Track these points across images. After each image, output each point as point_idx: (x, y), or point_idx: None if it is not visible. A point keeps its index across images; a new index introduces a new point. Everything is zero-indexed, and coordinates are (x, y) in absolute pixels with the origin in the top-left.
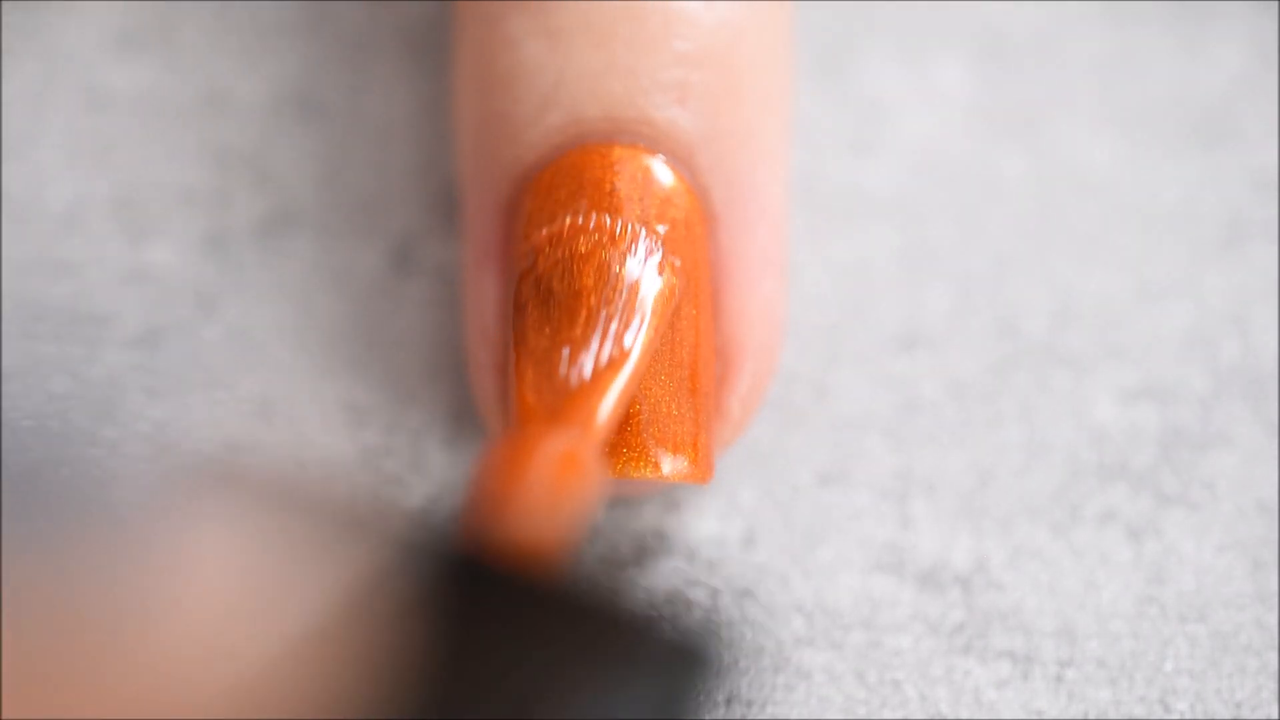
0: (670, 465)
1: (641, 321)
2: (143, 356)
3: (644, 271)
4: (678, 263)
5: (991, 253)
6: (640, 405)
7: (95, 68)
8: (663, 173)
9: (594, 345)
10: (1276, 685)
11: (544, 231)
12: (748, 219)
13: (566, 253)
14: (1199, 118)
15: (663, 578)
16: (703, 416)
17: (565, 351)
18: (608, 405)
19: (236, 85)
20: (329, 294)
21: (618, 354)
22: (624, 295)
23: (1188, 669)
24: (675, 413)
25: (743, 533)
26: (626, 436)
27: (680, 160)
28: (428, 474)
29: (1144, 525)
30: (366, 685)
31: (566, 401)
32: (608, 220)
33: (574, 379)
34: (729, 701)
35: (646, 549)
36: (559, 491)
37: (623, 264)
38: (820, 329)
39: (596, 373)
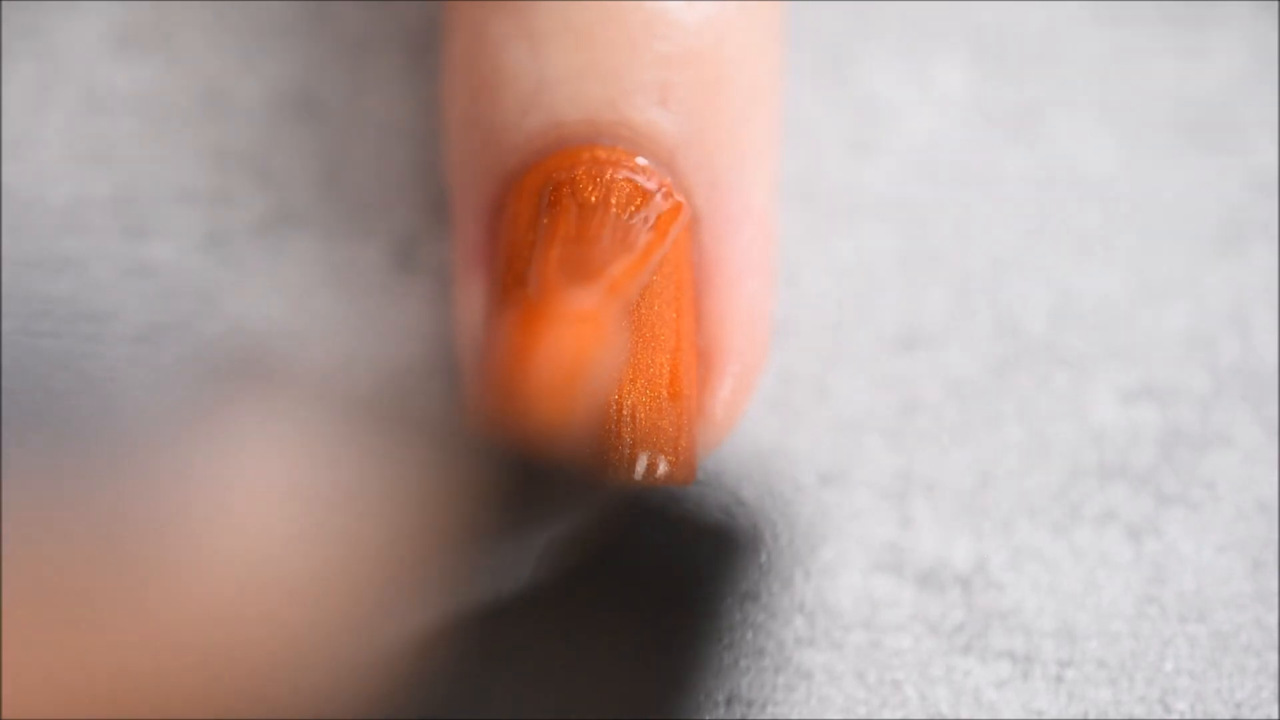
0: (651, 468)
1: (661, 230)
2: (144, 353)
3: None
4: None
5: (991, 253)
6: (620, 408)
7: (95, 68)
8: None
9: (619, 235)
10: (1276, 685)
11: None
12: (730, 220)
13: (597, 171)
14: (1199, 118)
15: None
16: (684, 419)
17: (591, 233)
18: (629, 273)
19: (236, 85)
20: (329, 292)
21: (642, 239)
22: (642, 206)
23: (1188, 669)
24: (656, 416)
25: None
26: (606, 439)
27: (662, 162)
28: None
29: (1144, 525)
30: (413, 603)
31: (587, 266)
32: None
33: (597, 253)
34: (729, 702)
35: None
36: (578, 352)
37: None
38: (820, 329)
39: (617, 254)
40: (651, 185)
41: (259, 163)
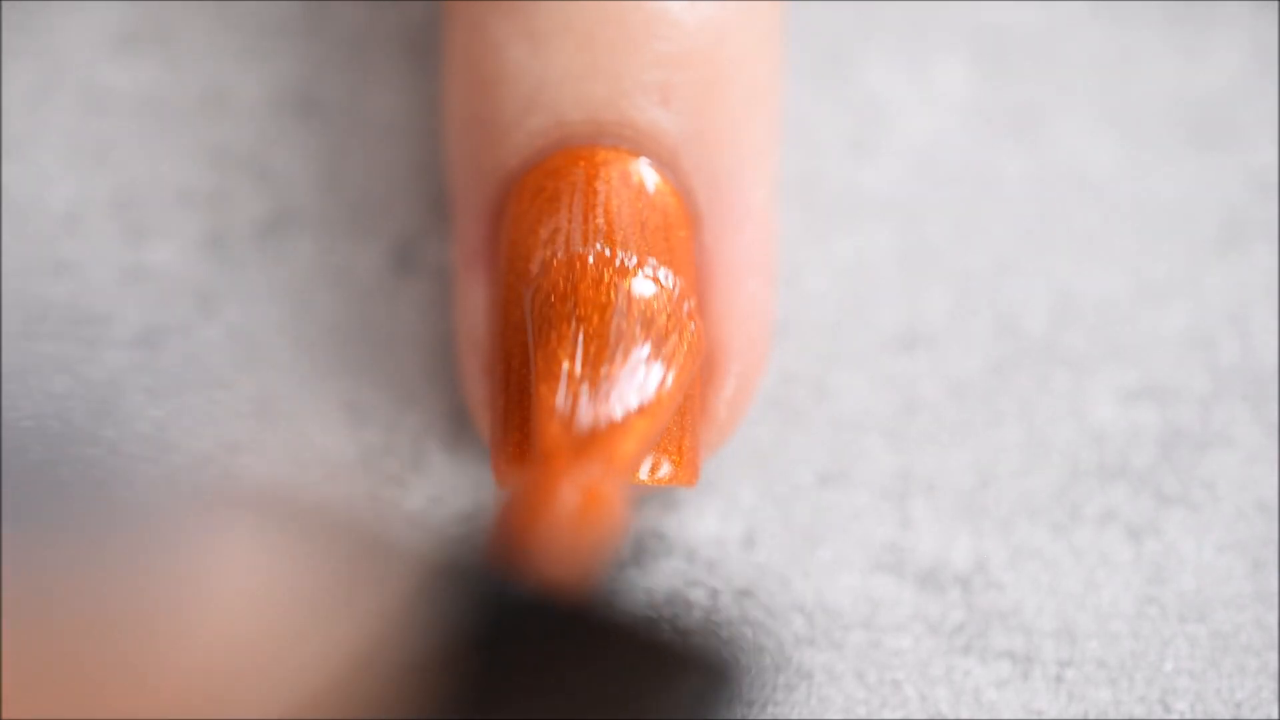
0: (655, 469)
1: (672, 363)
2: (142, 356)
3: (672, 309)
4: (694, 305)
5: (991, 253)
6: None
7: (95, 68)
8: (647, 175)
9: (623, 385)
10: (1276, 685)
11: (558, 254)
12: (732, 220)
13: (595, 276)
14: (1199, 118)
15: (663, 578)
16: (688, 420)
17: (597, 387)
18: (634, 445)
19: (236, 85)
20: (329, 294)
21: (649, 398)
22: (652, 333)
23: (1188, 669)
24: None
25: (743, 533)
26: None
27: (664, 162)
28: (428, 473)
29: (1144, 525)
30: (394, 710)
31: (592, 437)
32: (620, 256)
33: (602, 418)
34: (728, 702)
35: (646, 549)
36: (583, 527)
37: (651, 296)
38: (820, 329)
39: (627, 417)
40: (668, 287)
41: (259, 163)
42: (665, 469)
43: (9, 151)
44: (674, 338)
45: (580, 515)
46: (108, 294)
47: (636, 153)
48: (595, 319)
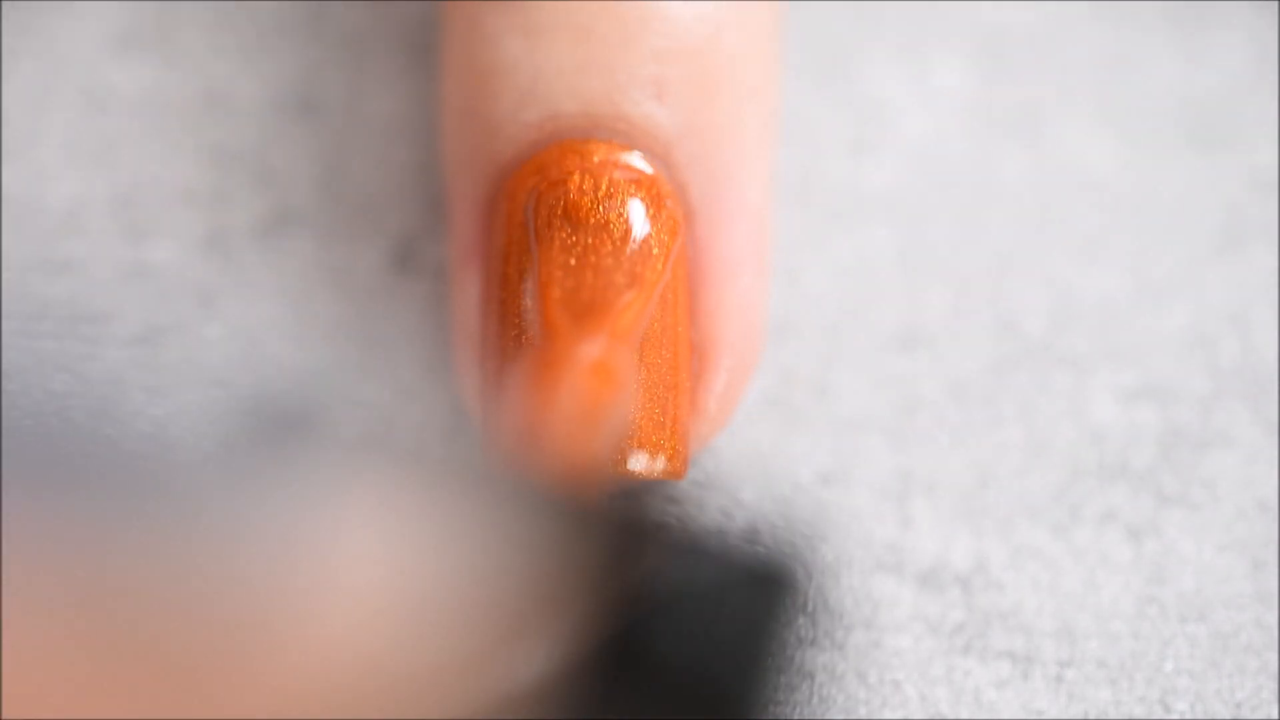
0: (645, 462)
1: (664, 254)
2: (142, 355)
3: (656, 215)
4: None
5: (991, 253)
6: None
7: (95, 68)
8: (640, 168)
9: (623, 264)
10: (1276, 685)
11: (572, 172)
12: (726, 214)
13: (592, 184)
14: (1199, 118)
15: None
16: (678, 412)
17: (593, 269)
18: (631, 317)
19: (236, 85)
20: (329, 293)
21: (644, 273)
22: (644, 227)
23: (1188, 669)
24: (651, 409)
25: (742, 532)
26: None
27: (657, 156)
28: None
29: (1144, 525)
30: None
31: (593, 313)
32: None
33: (599, 297)
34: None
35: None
36: (593, 401)
37: (647, 204)
38: (820, 329)
39: (622, 288)
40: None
41: (259, 163)
42: (657, 463)
43: (9, 151)
44: (660, 220)
45: (590, 390)
46: (108, 293)
47: (630, 146)
48: (590, 218)
